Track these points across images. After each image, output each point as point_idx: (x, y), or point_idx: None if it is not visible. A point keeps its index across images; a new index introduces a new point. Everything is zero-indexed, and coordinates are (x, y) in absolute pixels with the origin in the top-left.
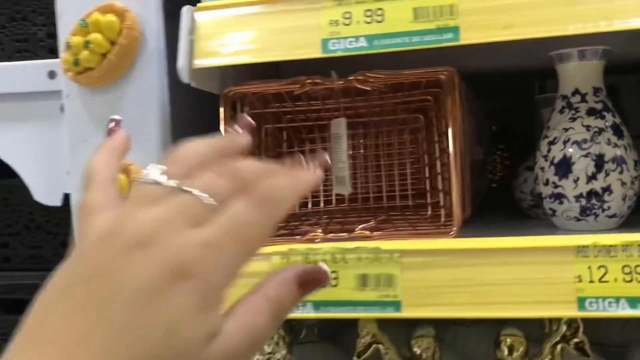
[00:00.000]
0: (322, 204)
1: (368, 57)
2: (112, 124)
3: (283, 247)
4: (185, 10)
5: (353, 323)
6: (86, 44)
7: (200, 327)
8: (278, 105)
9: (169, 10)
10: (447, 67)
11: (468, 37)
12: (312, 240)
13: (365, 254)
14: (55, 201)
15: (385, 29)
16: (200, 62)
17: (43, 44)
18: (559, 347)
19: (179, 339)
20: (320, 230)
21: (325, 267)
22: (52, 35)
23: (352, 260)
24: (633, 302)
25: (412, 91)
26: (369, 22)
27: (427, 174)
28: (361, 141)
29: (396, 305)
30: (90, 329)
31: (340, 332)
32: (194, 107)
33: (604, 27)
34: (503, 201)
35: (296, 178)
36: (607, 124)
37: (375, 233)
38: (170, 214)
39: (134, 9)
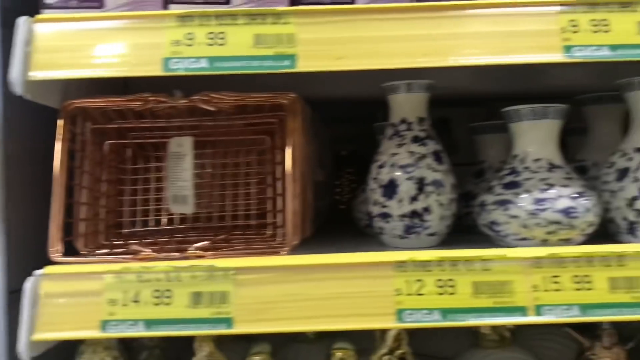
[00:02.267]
0: (165, 222)
1: (229, 78)
2: None
3: (117, 266)
4: (22, 21)
5: None
6: None
7: None
8: (120, 121)
9: (7, 20)
10: (290, 93)
11: (305, 65)
12: (144, 260)
13: (200, 272)
14: None
15: (226, 52)
16: (36, 74)
17: None
18: (384, 358)
19: None
20: (151, 250)
21: None
22: None
23: (186, 278)
24: (444, 313)
25: (260, 114)
26: (211, 45)
27: (269, 195)
28: (209, 160)
29: (228, 322)
30: None
31: (185, 353)
32: (33, 122)
33: (424, 62)
34: (346, 221)
35: None
36: (428, 150)
37: (208, 252)
38: None
39: None
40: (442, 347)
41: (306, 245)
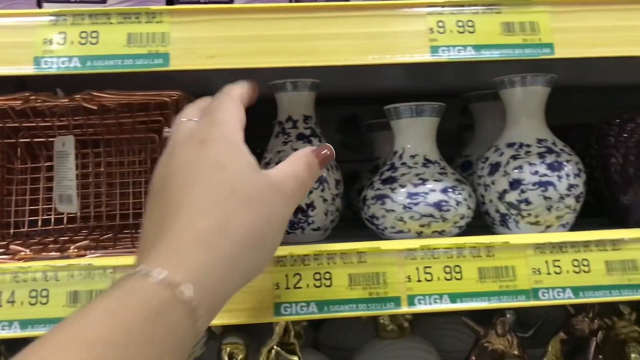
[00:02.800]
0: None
1: (142, 76)
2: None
3: None
4: None
5: None
6: None
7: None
8: (1, 121)
9: None
10: (177, 91)
11: (177, 64)
12: (21, 260)
13: (77, 271)
14: None
15: (98, 51)
16: None
17: None
18: (273, 351)
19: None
20: (33, 250)
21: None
22: None
23: (63, 277)
24: (321, 305)
25: (154, 112)
26: (83, 44)
27: None
28: (100, 159)
29: None
30: (196, 192)
31: None
32: None
33: (298, 62)
34: None
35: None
36: None
37: (89, 251)
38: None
39: None
40: (349, 339)
41: None
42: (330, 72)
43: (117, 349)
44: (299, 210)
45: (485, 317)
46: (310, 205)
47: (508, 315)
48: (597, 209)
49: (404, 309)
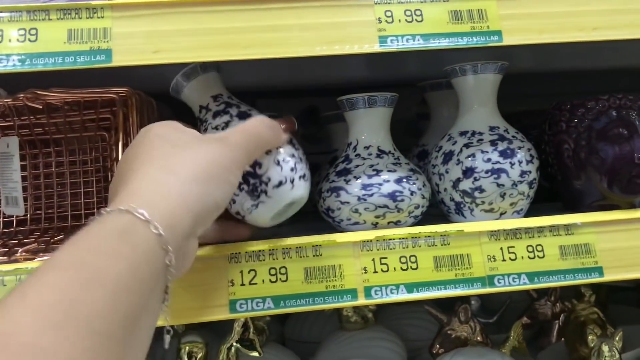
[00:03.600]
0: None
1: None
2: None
3: None
4: None
5: None
6: None
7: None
8: None
9: None
10: (125, 87)
11: (120, 60)
12: None
13: (25, 275)
14: None
15: (38, 49)
16: None
17: None
18: (232, 348)
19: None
20: None
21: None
22: None
23: (11, 282)
24: (277, 300)
25: (102, 109)
26: (22, 41)
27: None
28: (50, 160)
29: None
30: (142, 155)
31: None
32: None
33: (243, 55)
34: None
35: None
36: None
37: (38, 255)
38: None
39: None
40: (314, 332)
41: None
42: (289, 64)
43: (90, 267)
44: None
45: (450, 305)
46: None
47: (473, 302)
48: (553, 195)
49: (361, 301)
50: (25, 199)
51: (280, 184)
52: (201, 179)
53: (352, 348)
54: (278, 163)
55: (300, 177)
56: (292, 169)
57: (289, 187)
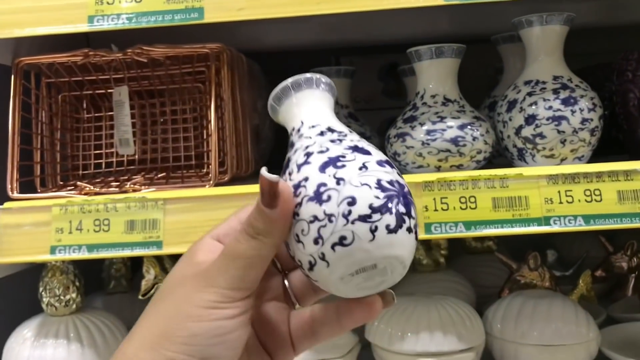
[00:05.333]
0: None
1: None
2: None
3: (62, 200)
4: None
5: None
6: None
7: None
8: (69, 76)
9: None
10: (217, 43)
11: (211, 17)
12: (86, 194)
13: (133, 203)
14: None
15: (142, 8)
16: None
17: None
18: None
19: None
20: (96, 187)
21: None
22: None
23: (122, 208)
24: None
25: (198, 63)
26: (129, 2)
27: (205, 137)
28: (155, 110)
29: (158, 244)
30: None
31: None
32: None
33: (317, 10)
34: None
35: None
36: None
37: (143, 187)
38: None
39: None
40: None
41: (242, 181)
42: (371, 21)
43: None
44: None
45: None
46: None
47: (549, 255)
48: (623, 146)
49: (423, 235)
50: (134, 143)
51: (312, 265)
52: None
53: (423, 288)
54: (298, 239)
55: (333, 245)
56: (316, 240)
57: (324, 266)
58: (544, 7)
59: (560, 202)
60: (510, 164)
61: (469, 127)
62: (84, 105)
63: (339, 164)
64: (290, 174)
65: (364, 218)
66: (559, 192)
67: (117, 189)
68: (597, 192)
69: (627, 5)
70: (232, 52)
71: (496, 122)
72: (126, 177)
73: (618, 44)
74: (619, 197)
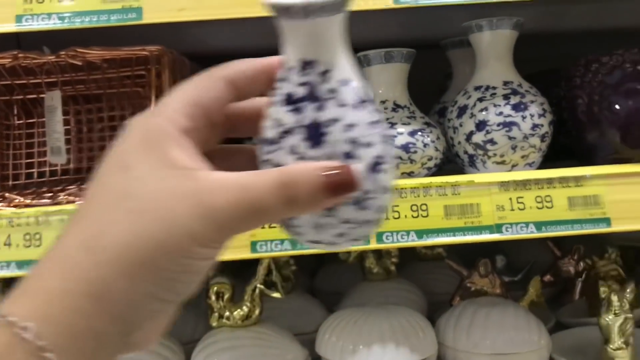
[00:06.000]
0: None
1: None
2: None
3: None
4: None
5: None
6: None
7: None
8: None
9: None
10: (158, 46)
11: (150, 17)
12: (15, 206)
13: (68, 216)
14: None
15: (76, 8)
16: None
17: None
18: (257, 289)
19: None
20: (23, 198)
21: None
22: None
23: (54, 222)
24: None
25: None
26: (60, 1)
27: None
28: (91, 116)
29: None
30: (86, 201)
31: None
32: None
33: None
34: None
35: None
36: None
37: (78, 198)
38: None
39: None
40: (339, 282)
41: None
42: None
43: None
44: None
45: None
46: None
47: (498, 261)
48: (571, 152)
49: (373, 245)
50: (68, 151)
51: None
52: (132, 268)
53: (374, 297)
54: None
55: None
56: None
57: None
58: (492, 12)
59: (512, 209)
60: (461, 171)
61: (419, 133)
62: (15, 111)
63: None
64: None
65: None
66: (510, 199)
67: (49, 201)
68: (548, 199)
69: (570, 13)
70: (174, 54)
71: (447, 128)
72: (60, 188)
73: (564, 50)
74: (570, 204)
